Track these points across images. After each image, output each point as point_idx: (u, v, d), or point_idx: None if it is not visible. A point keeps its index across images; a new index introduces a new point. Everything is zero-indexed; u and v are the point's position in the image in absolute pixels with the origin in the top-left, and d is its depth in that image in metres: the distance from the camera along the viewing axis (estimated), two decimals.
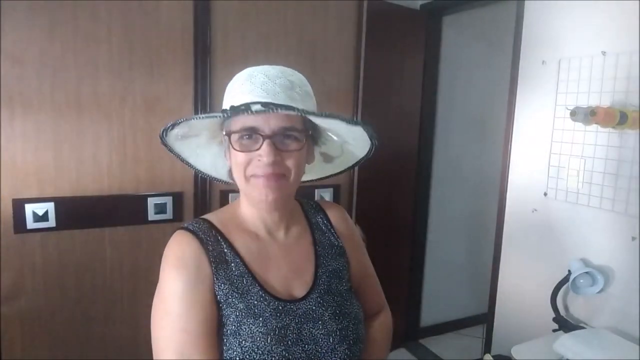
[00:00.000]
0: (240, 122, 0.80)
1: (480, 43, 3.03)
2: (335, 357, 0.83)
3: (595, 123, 1.56)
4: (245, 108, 0.77)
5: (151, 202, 1.80)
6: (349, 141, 0.91)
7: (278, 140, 0.79)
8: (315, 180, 1.05)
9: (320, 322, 0.85)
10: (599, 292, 1.62)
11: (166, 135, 0.86)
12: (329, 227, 0.98)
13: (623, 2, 1.57)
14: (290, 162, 0.81)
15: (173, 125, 0.83)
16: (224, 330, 0.81)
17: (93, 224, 1.71)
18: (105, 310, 1.76)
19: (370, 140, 0.87)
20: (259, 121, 0.78)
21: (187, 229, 0.85)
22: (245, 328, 0.79)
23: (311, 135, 0.87)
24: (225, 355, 0.79)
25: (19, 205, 1.58)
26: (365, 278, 1.02)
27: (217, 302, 0.81)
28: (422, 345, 3.01)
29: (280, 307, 0.83)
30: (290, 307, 0.84)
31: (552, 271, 1.79)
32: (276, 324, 0.81)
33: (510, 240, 2.07)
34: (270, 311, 0.82)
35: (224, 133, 0.83)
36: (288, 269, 0.89)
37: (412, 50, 2.76)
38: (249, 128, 0.79)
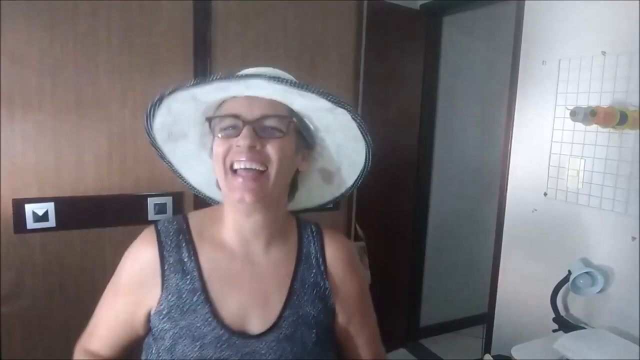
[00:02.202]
0: (224, 109, 0.77)
1: (480, 43, 3.03)
2: None
3: (595, 123, 1.56)
4: (220, 76, 0.72)
5: (151, 202, 1.80)
6: (341, 141, 0.83)
7: (259, 127, 0.74)
8: (317, 208, 0.97)
9: None
10: (599, 292, 1.62)
11: (152, 129, 0.85)
12: (320, 263, 0.84)
13: (623, 2, 1.57)
14: (270, 150, 0.73)
15: (153, 106, 0.83)
16: (160, 343, 0.76)
17: (93, 224, 1.70)
18: None
19: (361, 132, 0.77)
20: (242, 108, 0.75)
21: (155, 227, 0.83)
22: (179, 348, 0.73)
23: (303, 139, 0.81)
24: None
25: (19, 205, 1.58)
26: (352, 332, 0.88)
27: (159, 314, 0.78)
28: (422, 345, 3.01)
29: (224, 338, 0.74)
30: (236, 341, 0.74)
31: (552, 271, 1.79)
32: (213, 354, 0.73)
33: (510, 240, 2.07)
34: (211, 338, 0.74)
35: (205, 119, 0.79)
36: (250, 297, 0.78)
37: (412, 50, 2.76)
38: (231, 114, 0.75)
